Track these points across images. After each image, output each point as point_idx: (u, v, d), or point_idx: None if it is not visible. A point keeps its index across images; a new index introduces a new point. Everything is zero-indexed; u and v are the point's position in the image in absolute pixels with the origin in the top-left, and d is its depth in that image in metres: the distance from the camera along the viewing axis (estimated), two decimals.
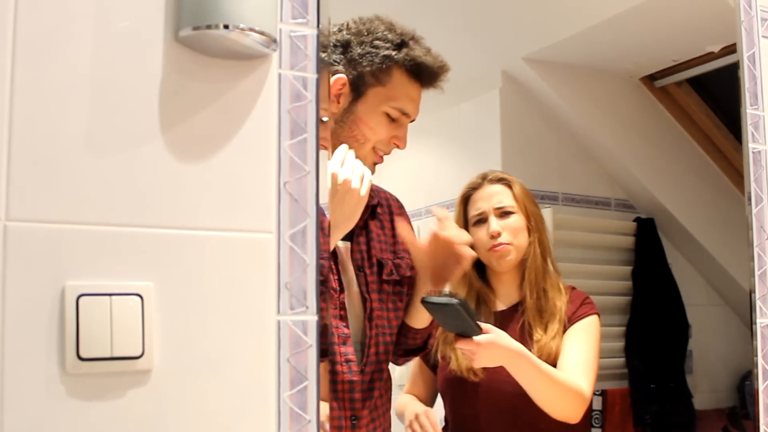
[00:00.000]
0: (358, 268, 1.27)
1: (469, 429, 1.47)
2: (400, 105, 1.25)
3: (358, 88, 1.24)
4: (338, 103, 1.23)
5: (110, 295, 0.84)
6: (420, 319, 1.34)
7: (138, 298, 0.85)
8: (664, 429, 1.87)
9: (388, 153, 1.29)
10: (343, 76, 1.23)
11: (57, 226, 0.83)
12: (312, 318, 0.94)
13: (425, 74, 1.26)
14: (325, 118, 0.98)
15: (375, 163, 1.28)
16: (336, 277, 1.23)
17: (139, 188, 0.87)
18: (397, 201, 1.41)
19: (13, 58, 0.82)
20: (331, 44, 1.23)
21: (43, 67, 0.83)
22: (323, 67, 0.98)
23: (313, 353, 0.93)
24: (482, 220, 1.53)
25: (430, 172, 1.91)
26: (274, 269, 0.93)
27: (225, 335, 0.90)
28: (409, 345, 1.35)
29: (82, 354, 0.82)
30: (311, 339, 0.94)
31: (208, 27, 0.87)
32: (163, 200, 0.88)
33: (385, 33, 1.25)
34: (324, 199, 0.97)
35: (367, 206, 1.28)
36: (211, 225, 0.90)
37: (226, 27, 0.86)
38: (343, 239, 1.27)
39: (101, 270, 0.84)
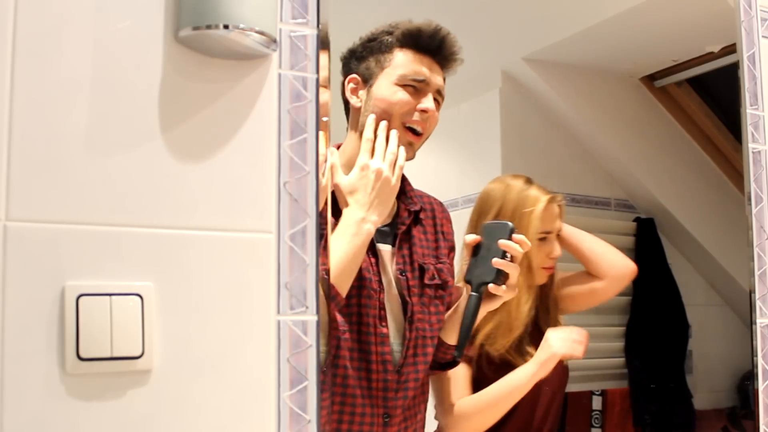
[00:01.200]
0: (400, 272, 1.28)
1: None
2: (405, 72, 1.28)
3: (368, 78, 1.30)
4: (357, 97, 1.30)
5: (110, 295, 0.84)
6: (454, 335, 1.34)
7: (138, 298, 0.85)
8: (664, 429, 1.87)
9: (422, 125, 1.30)
10: (355, 75, 1.30)
11: (57, 226, 0.83)
12: (312, 318, 0.94)
13: (424, 41, 1.30)
14: (325, 118, 0.98)
15: (410, 143, 1.29)
16: (377, 278, 1.25)
17: (139, 188, 0.87)
18: (441, 205, 1.42)
19: (13, 58, 0.82)
20: (345, 57, 1.31)
21: (43, 67, 0.83)
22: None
23: (313, 353, 0.93)
24: (545, 238, 1.56)
25: (430, 172, 1.90)
26: (274, 269, 0.93)
27: (225, 335, 0.90)
28: (439, 358, 1.35)
29: (82, 354, 0.82)
30: (311, 339, 0.94)
31: (208, 27, 0.87)
32: (163, 200, 0.88)
33: (381, 28, 1.31)
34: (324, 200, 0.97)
35: (410, 212, 1.32)
36: (211, 225, 0.90)
37: (226, 27, 0.87)
38: (387, 243, 1.30)
39: (101, 270, 0.84)
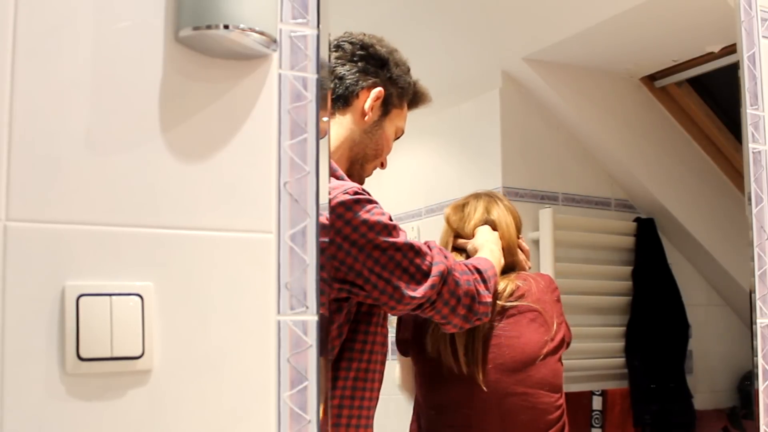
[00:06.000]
0: None
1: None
2: (402, 127, 1.35)
3: (387, 105, 1.31)
4: (370, 113, 1.29)
5: (110, 295, 0.84)
6: None
7: (138, 298, 0.85)
8: (664, 429, 1.87)
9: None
10: (382, 89, 1.29)
11: (57, 226, 0.83)
12: (312, 318, 0.94)
13: (415, 103, 1.37)
14: (325, 118, 0.98)
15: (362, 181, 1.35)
16: None
17: (139, 188, 0.87)
18: None
19: (13, 58, 0.82)
20: (367, 53, 1.29)
21: (43, 67, 0.83)
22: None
23: (313, 353, 0.93)
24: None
25: (430, 172, 1.91)
26: (274, 269, 0.93)
27: (225, 335, 0.90)
28: None
29: (83, 354, 0.82)
30: (311, 339, 0.94)
31: (208, 27, 0.87)
32: (163, 200, 0.88)
33: (398, 58, 1.32)
34: (324, 199, 0.97)
35: None
36: (212, 225, 0.90)
37: (226, 27, 0.87)
38: None
39: (101, 270, 0.84)
